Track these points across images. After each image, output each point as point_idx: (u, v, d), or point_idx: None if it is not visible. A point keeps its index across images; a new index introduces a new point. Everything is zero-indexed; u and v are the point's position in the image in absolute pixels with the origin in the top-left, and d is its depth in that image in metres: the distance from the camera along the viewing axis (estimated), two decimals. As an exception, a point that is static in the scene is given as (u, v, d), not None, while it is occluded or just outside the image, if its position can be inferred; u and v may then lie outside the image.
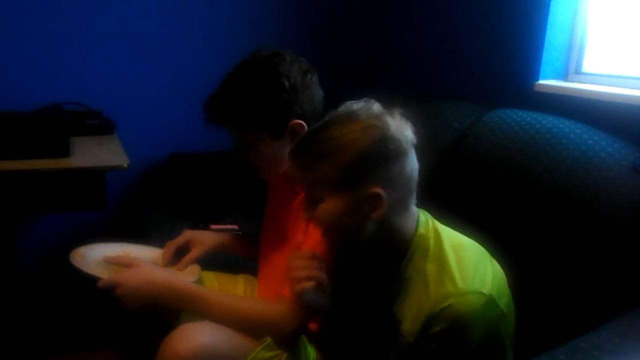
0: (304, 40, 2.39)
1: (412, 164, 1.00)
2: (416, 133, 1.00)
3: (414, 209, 1.05)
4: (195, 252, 1.43)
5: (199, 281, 1.39)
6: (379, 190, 0.96)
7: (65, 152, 1.69)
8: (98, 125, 2.06)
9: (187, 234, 1.46)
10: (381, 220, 0.98)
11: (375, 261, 1.07)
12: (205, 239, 1.46)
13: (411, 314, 0.99)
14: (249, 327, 1.22)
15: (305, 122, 1.24)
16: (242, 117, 1.24)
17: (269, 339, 1.20)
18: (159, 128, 2.25)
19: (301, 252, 1.07)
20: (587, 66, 1.76)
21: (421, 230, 1.03)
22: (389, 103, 1.01)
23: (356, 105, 1.01)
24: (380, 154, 0.96)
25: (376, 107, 1.01)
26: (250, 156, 1.28)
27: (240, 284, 1.51)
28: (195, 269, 1.41)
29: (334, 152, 0.96)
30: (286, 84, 1.22)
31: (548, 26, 1.72)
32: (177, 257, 1.42)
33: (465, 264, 0.98)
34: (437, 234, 1.03)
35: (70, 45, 2.11)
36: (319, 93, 1.29)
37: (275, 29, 2.36)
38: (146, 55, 2.22)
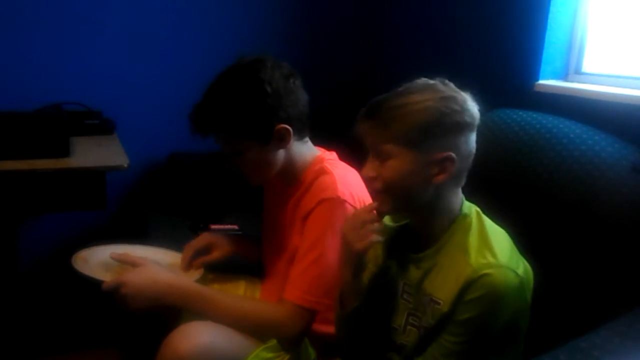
0: (305, 42, 2.39)
1: (474, 142, 1.05)
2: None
3: (460, 190, 1.08)
4: (214, 255, 1.44)
5: (201, 281, 1.39)
6: (452, 154, 1.00)
7: (65, 152, 1.69)
8: (98, 125, 2.06)
9: (207, 238, 1.47)
10: (439, 187, 1.03)
11: (415, 236, 1.10)
12: (224, 243, 1.47)
13: (447, 282, 1.01)
14: (253, 328, 1.22)
15: (290, 126, 1.24)
16: (227, 126, 1.25)
17: (273, 341, 1.20)
18: (159, 128, 2.25)
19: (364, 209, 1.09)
20: (587, 66, 1.76)
21: (465, 210, 1.07)
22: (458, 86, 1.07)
23: (432, 80, 1.06)
24: (456, 123, 1.01)
25: (452, 85, 1.07)
26: (239, 163, 1.29)
27: (240, 285, 1.51)
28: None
29: (414, 113, 1.00)
30: (268, 89, 1.22)
31: (548, 26, 1.72)
32: (194, 258, 1.44)
33: (503, 245, 1.02)
34: (479, 215, 1.07)
35: (70, 45, 2.11)
36: (303, 97, 1.29)
37: (276, 30, 2.36)
38: (146, 55, 2.22)
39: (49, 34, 2.07)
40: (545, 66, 1.75)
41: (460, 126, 1.02)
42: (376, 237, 1.05)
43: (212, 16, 2.30)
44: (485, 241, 1.01)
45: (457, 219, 1.06)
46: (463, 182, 1.07)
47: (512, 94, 1.79)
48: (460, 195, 1.08)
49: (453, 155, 1.01)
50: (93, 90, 2.14)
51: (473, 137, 1.04)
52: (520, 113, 1.58)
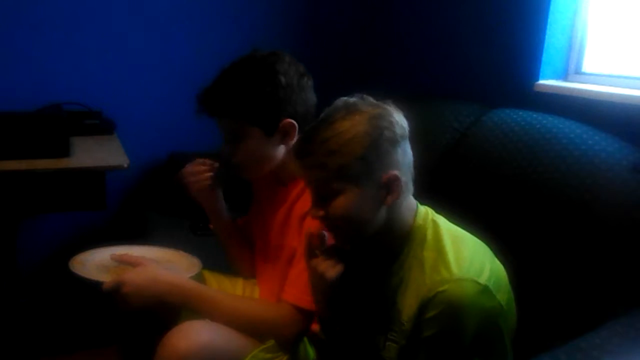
0: (304, 41, 2.39)
1: (409, 149, 1.04)
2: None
3: (412, 198, 1.07)
4: None
5: (200, 276, 1.39)
6: (396, 173, 0.99)
7: (65, 152, 1.69)
8: (98, 125, 2.06)
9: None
10: (391, 207, 1.01)
11: (377, 254, 1.09)
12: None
13: (409, 301, 1.00)
14: (251, 328, 1.22)
15: (297, 122, 1.24)
16: (235, 109, 1.23)
17: (272, 341, 1.20)
18: (159, 128, 2.25)
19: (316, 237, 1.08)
20: (587, 66, 1.76)
21: (419, 221, 1.05)
22: (379, 98, 1.05)
23: (352, 99, 1.03)
24: (390, 139, 0.99)
25: (371, 99, 1.04)
26: (238, 152, 1.27)
27: (239, 284, 1.51)
28: (195, 263, 1.41)
29: (348, 144, 0.97)
30: (283, 80, 1.22)
31: (548, 26, 1.72)
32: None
33: (462, 254, 0.99)
34: (435, 225, 1.04)
35: (70, 45, 2.11)
36: (312, 98, 1.28)
37: (276, 29, 2.37)
38: (146, 55, 2.23)
39: (49, 34, 2.07)
40: (545, 66, 1.75)
41: (394, 141, 1.00)
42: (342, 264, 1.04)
43: (212, 16, 2.30)
44: (440, 254, 0.99)
45: (412, 230, 1.04)
46: (412, 190, 1.05)
47: (512, 94, 1.79)
48: (412, 203, 1.06)
49: (396, 173, 0.99)
50: (93, 90, 2.14)
51: (408, 146, 1.03)
52: (520, 113, 1.58)
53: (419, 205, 1.08)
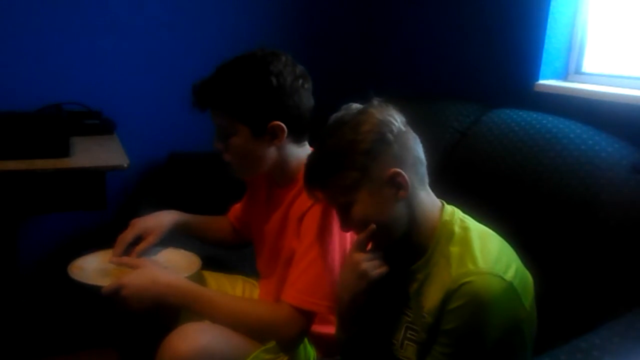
0: (304, 43, 2.39)
1: (410, 141, 1.05)
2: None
3: (433, 195, 1.09)
4: (149, 240, 1.43)
5: (199, 274, 1.39)
6: (396, 169, 1.01)
7: (65, 152, 1.69)
8: (98, 125, 2.05)
9: (136, 226, 1.44)
10: (409, 201, 1.03)
11: (405, 253, 1.09)
12: (156, 225, 1.46)
13: (433, 294, 1.00)
14: (251, 329, 1.22)
15: (286, 125, 1.23)
16: (223, 104, 1.23)
17: (273, 342, 1.20)
18: (159, 128, 2.25)
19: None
20: (587, 66, 1.76)
21: (446, 217, 1.06)
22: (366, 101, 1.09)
23: (340, 113, 1.08)
24: (380, 141, 1.01)
25: (355, 105, 1.08)
26: (228, 148, 1.27)
27: (238, 284, 1.51)
28: (194, 261, 1.41)
29: (340, 163, 1.02)
30: (274, 82, 1.21)
31: (548, 26, 1.72)
32: (131, 247, 1.42)
33: (488, 249, 0.99)
34: (462, 222, 1.05)
35: (70, 45, 2.11)
36: (308, 101, 1.27)
37: (275, 31, 2.36)
38: (146, 55, 2.22)
39: (48, 34, 2.07)
40: (545, 66, 1.75)
41: (386, 142, 1.02)
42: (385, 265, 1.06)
43: (212, 17, 2.30)
44: (467, 248, 0.99)
45: (439, 226, 1.05)
46: (426, 181, 1.07)
47: (512, 94, 1.79)
48: (433, 198, 1.08)
49: (397, 169, 1.01)
50: (93, 90, 2.14)
51: (408, 139, 1.04)
52: (520, 113, 1.58)
53: (445, 203, 1.08)
